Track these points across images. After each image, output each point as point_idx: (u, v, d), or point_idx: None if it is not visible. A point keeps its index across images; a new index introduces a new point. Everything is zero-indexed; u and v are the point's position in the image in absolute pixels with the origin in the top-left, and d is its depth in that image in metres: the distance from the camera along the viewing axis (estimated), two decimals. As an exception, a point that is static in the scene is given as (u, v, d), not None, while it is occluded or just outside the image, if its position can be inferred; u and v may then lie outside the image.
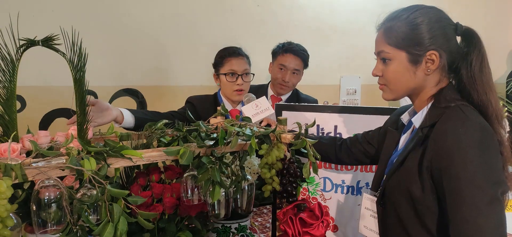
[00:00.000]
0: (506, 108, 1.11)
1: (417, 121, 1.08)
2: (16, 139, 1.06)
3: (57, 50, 1.05)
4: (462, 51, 1.06)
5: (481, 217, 0.87)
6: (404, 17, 1.07)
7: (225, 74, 1.88)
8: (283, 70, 2.22)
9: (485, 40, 1.05)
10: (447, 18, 1.07)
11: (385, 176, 1.16)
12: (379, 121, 1.39)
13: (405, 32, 1.06)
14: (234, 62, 1.87)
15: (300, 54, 2.23)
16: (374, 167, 1.58)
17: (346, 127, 1.64)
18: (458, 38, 1.08)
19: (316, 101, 2.34)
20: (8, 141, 0.94)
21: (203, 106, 1.91)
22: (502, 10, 3.84)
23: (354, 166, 1.65)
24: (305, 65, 2.29)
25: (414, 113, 1.14)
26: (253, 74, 1.94)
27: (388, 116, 1.33)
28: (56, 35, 1.04)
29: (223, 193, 1.24)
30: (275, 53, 2.29)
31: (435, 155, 0.97)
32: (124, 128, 1.58)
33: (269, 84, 2.36)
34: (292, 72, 2.22)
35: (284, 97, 2.30)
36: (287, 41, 2.30)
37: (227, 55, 1.90)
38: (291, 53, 2.22)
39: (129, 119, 1.56)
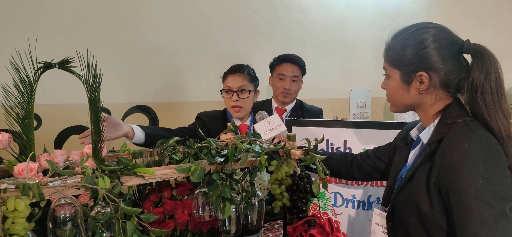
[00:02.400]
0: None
1: (425, 136, 1.09)
2: (33, 158, 1.09)
3: (73, 73, 1.09)
4: (467, 68, 1.04)
5: (489, 232, 0.87)
6: (400, 38, 1.09)
7: (222, 90, 1.96)
8: (283, 79, 2.30)
9: (494, 50, 1.03)
10: (448, 38, 1.05)
11: (394, 191, 1.16)
12: (388, 136, 1.39)
13: (397, 52, 1.09)
14: (230, 79, 1.94)
15: (296, 61, 2.33)
16: (384, 181, 1.58)
17: (356, 142, 1.65)
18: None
19: (321, 111, 2.37)
20: (26, 160, 0.97)
21: (212, 122, 1.95)
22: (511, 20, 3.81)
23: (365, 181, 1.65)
24: (303, 72, 2.36)
25: (422, 128, 1.14)
26: (251, 91, 1.95)
27: (398, 131, 1.34)
28: (72, 58, 1.08)
29: (234, 209, 1.25)
30: (272, 65, 2.39)
31: (442, 171, 0.97)
32: (135, 144, 1.62)
33: (272, 98, 2.41)
34: (292, 79, 2.30)
35: (288, 108, 2.34)
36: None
37: (227, 72, 1.98)
38: (287, 62, 2.32)
39: (139, 134, 1.61)
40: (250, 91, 1.94)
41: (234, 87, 1.92)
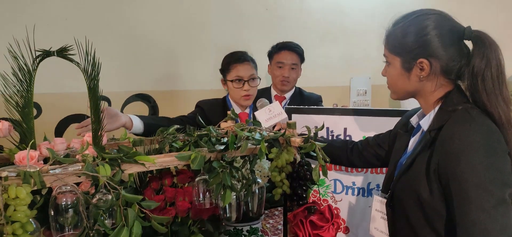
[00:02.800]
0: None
1: (425, 123, 1.09)
2: (33, 147, 1.09)
3: (71, 61, 1.08)
4: (468, 55, 1.04)
5: (488, 219, 0.87)
6: (401, 24, 1.09)
7: (232, 81, 1.90)
8: (282, 67, 2.30)
9: (495, 38, 1.02)
10: (449, 25, 1.05)
11: (394, 178, 1.16)
12: (388, 123, 1.39)
13: (398, 40, 1.09)
14: (240, 68, 1.89)
15: (294, 49, 2.32)
16: (384, 168, 1.59)
17: (356, 129, 1.65)
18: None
19: (320, 98, 2.37)
20: (26, 149, 0.97)
21: (212, 110, 1.94)
22: (513, 7, 3.78)
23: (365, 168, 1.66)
24: (302, 59, 2.35)
25: (422, 116, 1.14)
26: (259, 79, 1.95)
27: (398, 118, 1.34)
28: (70, 46, 1.07)
29: (234, 196, 1.26)
30: (271, 53, 2.38)
31: (442, 158, 0.97)
32: (134, 134, 1.62)
33: (271, 86, 2.41)
34: (291, 67, 2.29)
35: (287, 95, 2.34)
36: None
37: (233, 61, 1.91)
38: (286, 50, 2.31)
39: (138, 124, 1.60)
40: (259, 79, 1.93)
41: (245, 76, 1.88)
